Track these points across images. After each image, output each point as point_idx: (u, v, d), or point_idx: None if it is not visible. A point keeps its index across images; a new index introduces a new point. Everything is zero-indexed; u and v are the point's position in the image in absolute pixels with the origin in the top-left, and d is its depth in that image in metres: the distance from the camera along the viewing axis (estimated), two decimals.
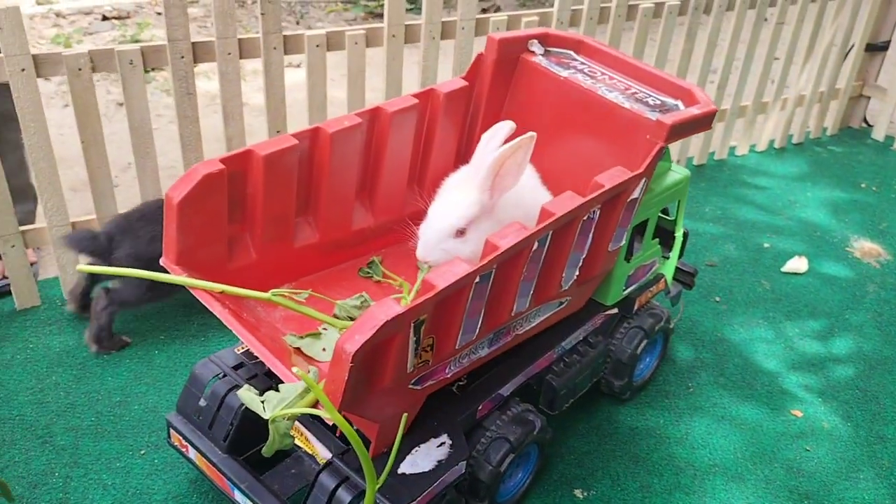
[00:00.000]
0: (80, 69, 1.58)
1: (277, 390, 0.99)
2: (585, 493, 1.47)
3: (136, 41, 3.10)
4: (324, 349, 1.20)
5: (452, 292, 1.03)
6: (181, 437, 1.29)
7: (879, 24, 2.94)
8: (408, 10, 4.09)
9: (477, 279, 1.05)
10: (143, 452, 1.45)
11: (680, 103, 1.42)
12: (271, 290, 1.12)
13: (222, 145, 1.84)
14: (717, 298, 2.05)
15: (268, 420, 0.99)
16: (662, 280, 1.66)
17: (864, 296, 2.11)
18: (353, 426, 0.98)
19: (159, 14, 3.63)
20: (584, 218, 1.21)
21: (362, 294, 1.27)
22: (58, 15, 3.45)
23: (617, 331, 1.59)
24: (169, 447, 1.43)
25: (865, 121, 3.16)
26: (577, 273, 1.29)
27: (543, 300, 1.28)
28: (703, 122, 1.35)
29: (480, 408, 1.29)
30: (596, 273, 1.36)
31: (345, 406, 0.97)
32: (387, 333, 0.95)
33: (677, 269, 1.75)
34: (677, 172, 1.55)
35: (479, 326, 1.14)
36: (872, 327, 1.99)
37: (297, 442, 1.23)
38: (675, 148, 2.61)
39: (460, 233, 1.23)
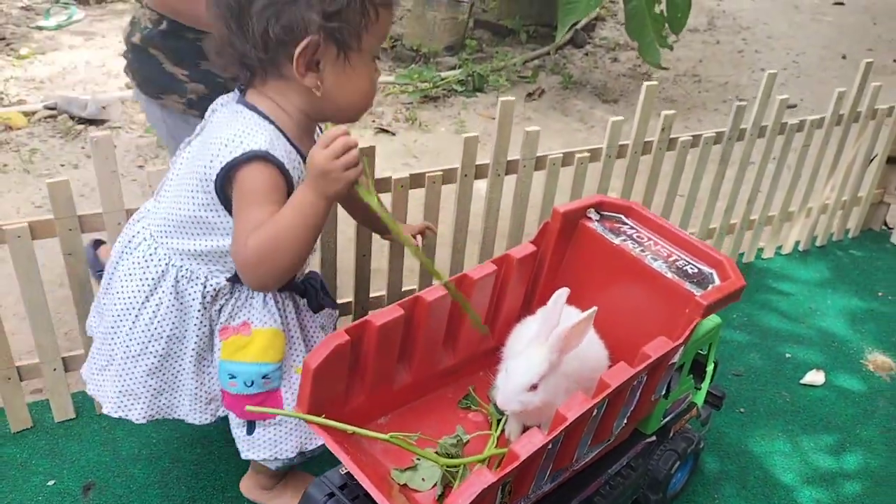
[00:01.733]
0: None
1: None
2: None
3: None
4: (423, 479, 1.49)
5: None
6: None
7: None
8: (459, 93, 4.41)
9: (549, 445, 1.33)
10: None
11: (714, 273, 1.70)
12: (390, 434, 1.41)
13: None
14: (742, 409, 2.31)
15: None
16: (695, 408, 1.92)
17: (875, 410, 2.35)
18: None
19: None
20: (634, 383, 1.49)
21: (457, 434, 1.56)
22: None
23: (654, 453, 1.86)
24: None
25: (885, 223, 3.41)
26: (625, 422, 1.56)
27: (597, 444, 1.55)
28: (733, 297, 1.63)
29: None
30: (640, 417, 1.64)
31: None
32: (482, 496, 1.23)
33: (708, 392, 2.01)
34: (710, 320, 1.82)
35: (547, 475, 1.42)
36: (880, 443, 2.23)
37: None
38: None
39: (533, 387, 1.51)
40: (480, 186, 2.25)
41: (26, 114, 3.56)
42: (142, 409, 1.59)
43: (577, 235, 1.80)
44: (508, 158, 2.25)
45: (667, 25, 4.41)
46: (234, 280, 1.50)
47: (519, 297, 1.79)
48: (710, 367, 1.92)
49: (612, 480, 1.75)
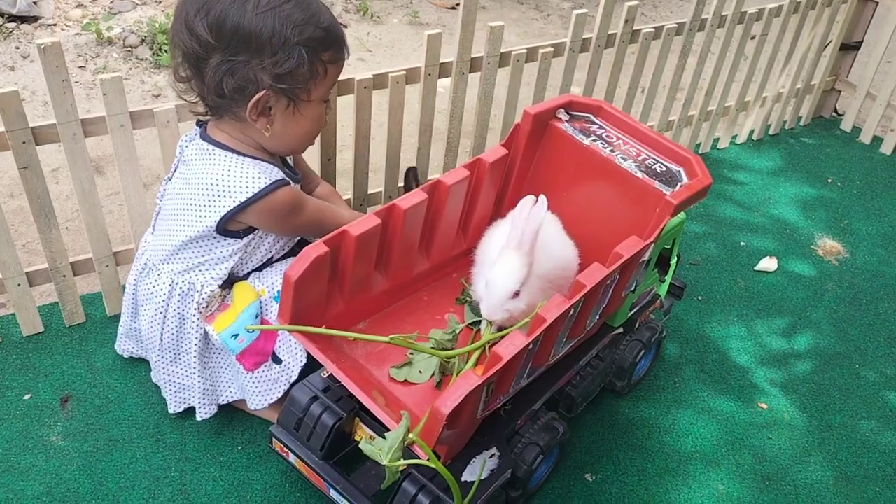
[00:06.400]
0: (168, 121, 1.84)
1: (383, 436, 1.33)
2: (594, 477, 1.84)
3: (165, 32, 3.27)
4: (420, 372, 1.54)
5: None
6: (282, 445, 1.62)
7: (853, 26, 3.22)
8: None
9: (530, 346, 1.38)
10: (240, 448, 1.79)
11: (682, 171, 1.72)
12: (391, 336, 1.45)
13: None
14: (700, 297, 2.40)
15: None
16: (658, 300, 1.99)
17: (824, 294, 2.48)
18: (439, 457, 1.32)
19: None
20: (608, 282, 1.53)
21: (453, 329, 1.64)
22: None
23: (620, 343, 1.94)
24: (263, 445, 1.77)
25: (836, 110, 3.47)
26: (597, 317, 1.62)
27: (570, 340, 1.61)
28: (701, 195, 1.66)
29: (519, 422, 1.64)
30: (611, 313, 1.70)
31: (435, 445, 1.31)
32: (469, 397, 1.28)
33: (670, 284, 2.09)
34: (676, 217, 1.86)
35: (526, 372, 1.47)
36: (828, 324, 2.36)
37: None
38: None
39: (516, 294, 1.54)
40: (444, 84, 2.21)
41: None
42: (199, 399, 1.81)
43: (548, 137, 1.80)
44: (472, 56, 2.20)
45: None
46: (224, 286, 1.71)
47: (491, 200, 1.80)
48: (673, 261, 1.98)
49: (583, 371, 1.83)
